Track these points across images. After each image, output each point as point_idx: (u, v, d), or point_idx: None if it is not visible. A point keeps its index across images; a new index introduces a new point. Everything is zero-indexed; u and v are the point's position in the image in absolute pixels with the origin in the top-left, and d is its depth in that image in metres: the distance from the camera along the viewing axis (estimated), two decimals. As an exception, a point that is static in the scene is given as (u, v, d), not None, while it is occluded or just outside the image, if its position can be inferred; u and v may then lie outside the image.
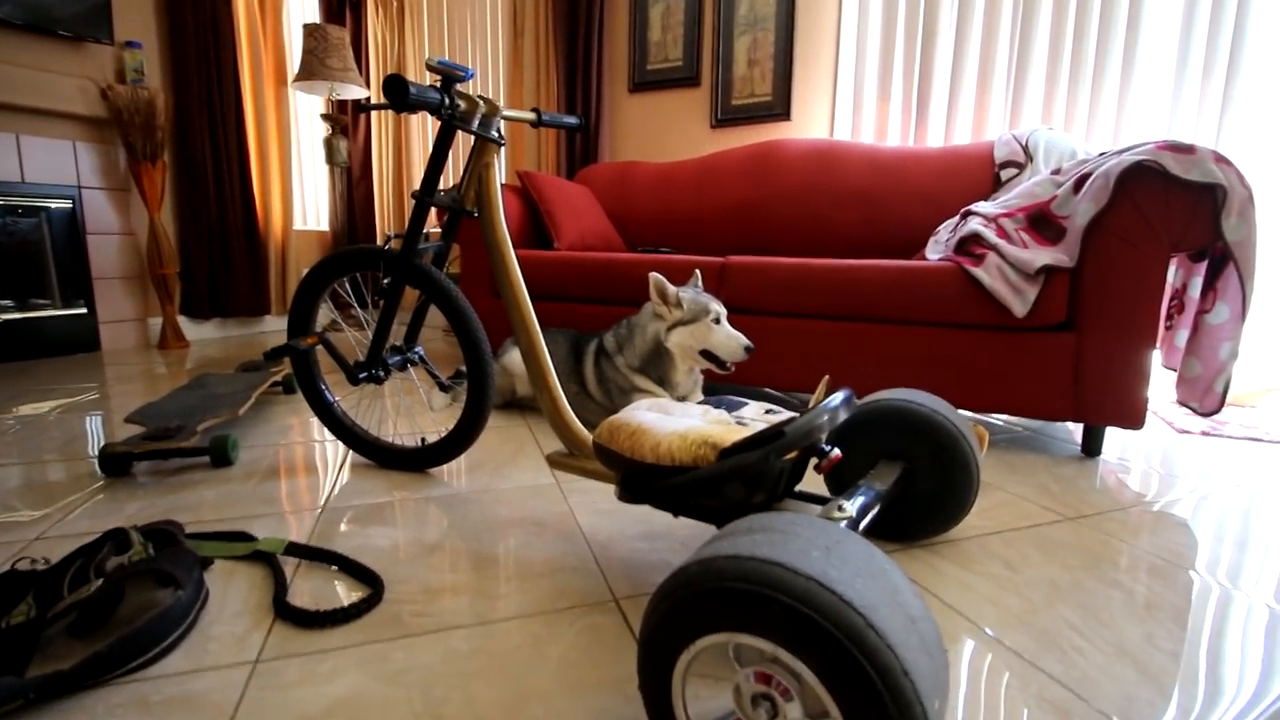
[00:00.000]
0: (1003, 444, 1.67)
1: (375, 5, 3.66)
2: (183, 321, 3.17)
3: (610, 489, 1.32)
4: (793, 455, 0.76)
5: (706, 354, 1.55)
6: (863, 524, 0.82)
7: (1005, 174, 2.08)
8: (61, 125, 2.72)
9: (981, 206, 1.77)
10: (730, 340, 1.53)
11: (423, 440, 1.41)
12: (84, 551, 0.91)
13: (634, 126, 3.15)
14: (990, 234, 1.59)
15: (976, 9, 2.36)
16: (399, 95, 0.96)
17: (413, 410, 1.92)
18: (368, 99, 3.68)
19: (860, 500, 0.85)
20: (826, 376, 0.92)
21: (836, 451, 0.83)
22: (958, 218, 1.83)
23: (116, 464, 1.34)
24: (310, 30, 3.20)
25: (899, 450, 1.04)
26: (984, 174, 2.13)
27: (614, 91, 3.17)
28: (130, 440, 1.38)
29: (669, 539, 1.10)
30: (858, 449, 1.07)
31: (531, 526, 1.15)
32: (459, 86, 1.11)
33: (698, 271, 1.69)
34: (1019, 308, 1.48)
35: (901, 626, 0.48)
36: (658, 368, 1.59)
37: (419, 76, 3.77)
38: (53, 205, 2.72)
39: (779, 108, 2.78)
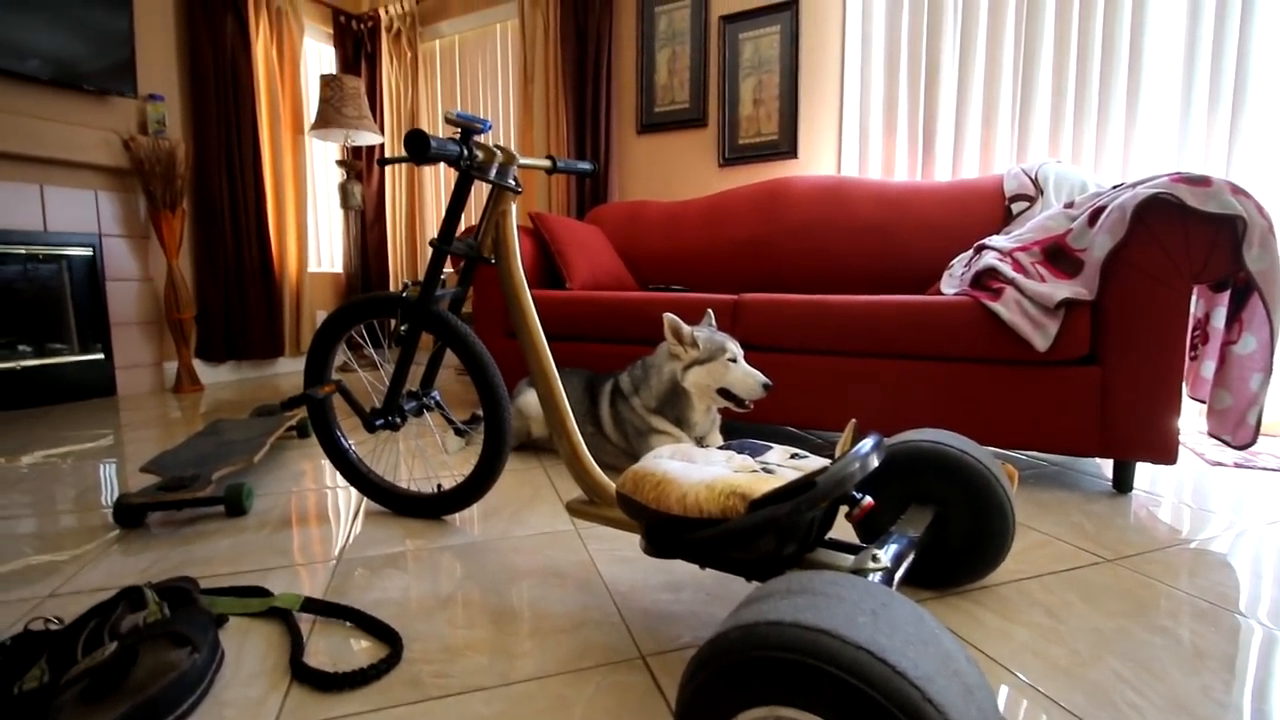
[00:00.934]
0: (1030, 480, 1.63)
1: (390, 55, 3.77)
2: (198, 364, 3.19)
3: (630, 537, 1.29)
4: (824, 504, 0.74)
5: (724, 393, 1.53)
6: (898, 574, 0.79)
7: (1016, 207, 2.08)
8: (84, 175, 2.79)
9: (995, 240, 1.76)
10: (748, 378, 1.51)
11: (439, 486, 1.39)
12: (98, 611, 0.89)
13: (643, 167, 3.20)
14: (1007, 268, 1.58)
15: (979, 44, 2.40)
16: (420, 150, 0.98)
17: (428, 455, 1.91)
18: (381, 149, 3.76)
19: (894, 549, 0.82)
20: (853, 420, 0.90)
21: (869, 499, 0.80)
22: (971, 251, 1.83)
23: (131, 515, 1.33)
24: (327, 80, 3.29)
25: (929, 494, 1.01)
26: (994, 207, 2.14)
27: (622, 133, 3.22)
28: (145, 490, 1.37)
29: (694, 589, 1.07)
30: (886, 494, 1.04)
31: (551, 577, 1.12)
32: (477, 138, 1.13)
33: (710, 311, 1.69)
34: (1040, 342, 1.46)
35: (959, 698, 0.46)
36: (675, 408, 1.58)
37: (432, 123, 3.86)
38: (74, 253, 2.77)
39: (785, 146, 2.82)
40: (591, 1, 3.08)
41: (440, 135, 1.05)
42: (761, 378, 1.50)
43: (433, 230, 3.84)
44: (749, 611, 0.53)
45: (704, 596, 1.04)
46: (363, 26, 3.83)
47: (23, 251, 2.63)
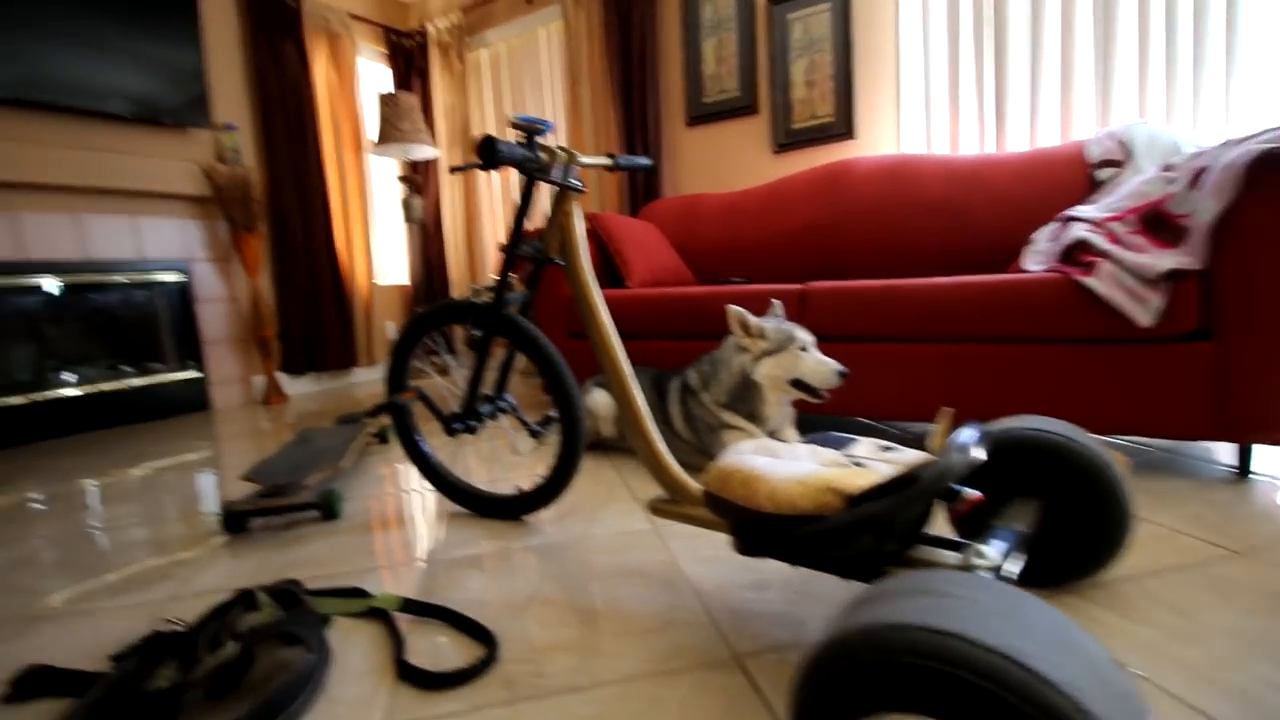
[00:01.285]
0: (1140, 468, 1.52)
1: (440, 69, 3.86)
2: (281, 377, 3.36)
3: (712, 535, 1.28)
4: (929, 499, 0.70)
5: (798, 383, 1.50)
6: (1008, 572, 0.74)
7: (1102, 174, 1.95)
8: (172, 205, 2.98)
9: (1084, 210, 1.65)
10: (821, 366, 1.47)
11: (519, 488, 1.42)
12: (217, 613, 0.95)
13: (694, 159, 3.16)
14: (1100, 239, 1.48)
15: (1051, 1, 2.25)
16: (491, 155, 0.99)
17: (498, 457, 1.94)
18: (436, 162, 3.86)
19: (1000, 545, 0.78)
20: (949, 409, 0.86)
21: (975, 492, 0.76)
22: (1056, 224, 1.72)
23: (236, 521, 1.41)
24: (385, 99, 3.40)
25: (1033, 486, 0.95)
26: (1076, 176, 2.00)
27: (672, 127, 3.20)
28: (248, 498, 1.45)
29: (781, 588, 1.04)
30: (985, 486, 0.99)
31: (635, 576, 1.12)
32: (539, 139, 1.14)
33: (777, 301, 1.65)
34: (1144, 317, 1.36)
35: (1112, 707, 0.42)
36: (746, 402, 1.55)
37: (484, 130, 3.93)
38: (166, 278, 2.96)
39: (842, 127, 2.73)
40: (637, -3, 3.07)
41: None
42: (836, 365, 1.45)
43: (488, 239, 3.92)
44: (865, 613, 0.51)
45: (793, 595, 1.02)
46: (412, 43, 3.94)
47: (123, 280, 2.83)
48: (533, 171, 1.13)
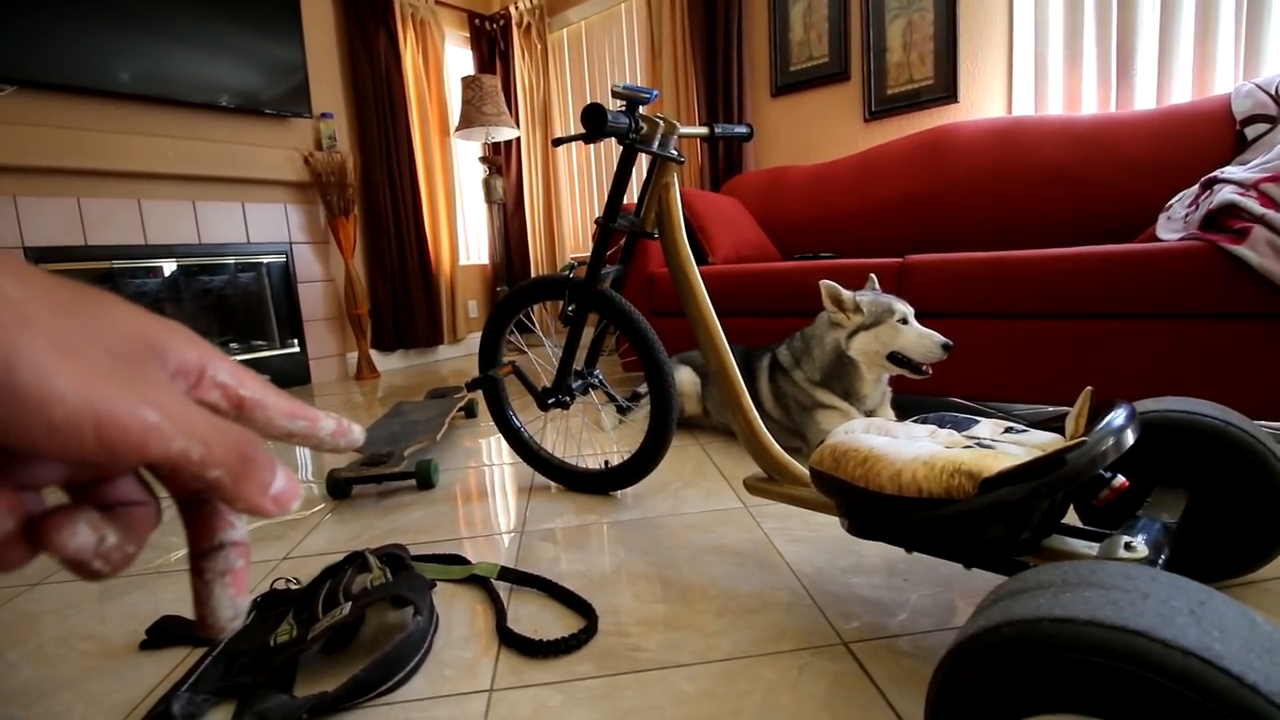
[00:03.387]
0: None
1: (521, 50, 3.89)
2: (374, 354, 3.53)
3: (808, 514, 1.23)
4: (1074, 485, 0.64)
5: (897, 358, 1.42)
6: (1158, 566, 0.67)
7: (1252, 131, 1.73)
8: (274, 191, 3.16)
9: (1231, 172, 1.47)
10: (923, 339, 1.38)
11: (607, 463, 1.42)
12: (331, 573, 1.00)
13: (779, 131, 3.05)
14: (1253, 204, 1.31)
15: (1192, -56, 2.00)
16: (597, 124, 0.97)
17: (583, 432, 1.96)
18: (517, 142, 3.91)
19: (1146, 536, 0.70)
20: (1089, 388, 0.78)
21: (1122, 479, 0.69)
22: (1197, 188, 1.54)
23: (340, 488, 1.49)
24: (468, 82, 3.46)
25: (1180, 474, 0.86)
26: (1221, 134, 1.79)
27: (756, 98, 3.09)
28: (350, 466, 1.52)
29: (886, 573, 0.99)
30: (1128, 473, 0.90)
31: (730, 555, 1.09)
32: (641, 109, 1.11)
33: (873, 275, 1.57)
34: (1308, 290, 1.20)
35: (1338, 726, 0.36)
36: (842, 380, 1.48)
37: (562, 112, 3.94)
38: (269, 260, 3.15)
39: (942, 91, 2.55)
40: (719, -36, 2.97)
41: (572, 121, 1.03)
42: (939, 337, 1.36)
43: (567, 218, 3.94)
44: (1021, 605, 0.46)
45: (899, 581, 0.97)
46: (495, 26, 3.98)
47: (232, 262, 3.03)
48: (634, 142, 1.10)
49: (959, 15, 2.48)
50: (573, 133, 1.06)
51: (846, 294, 1.46)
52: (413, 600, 0.88)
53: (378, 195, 3.40)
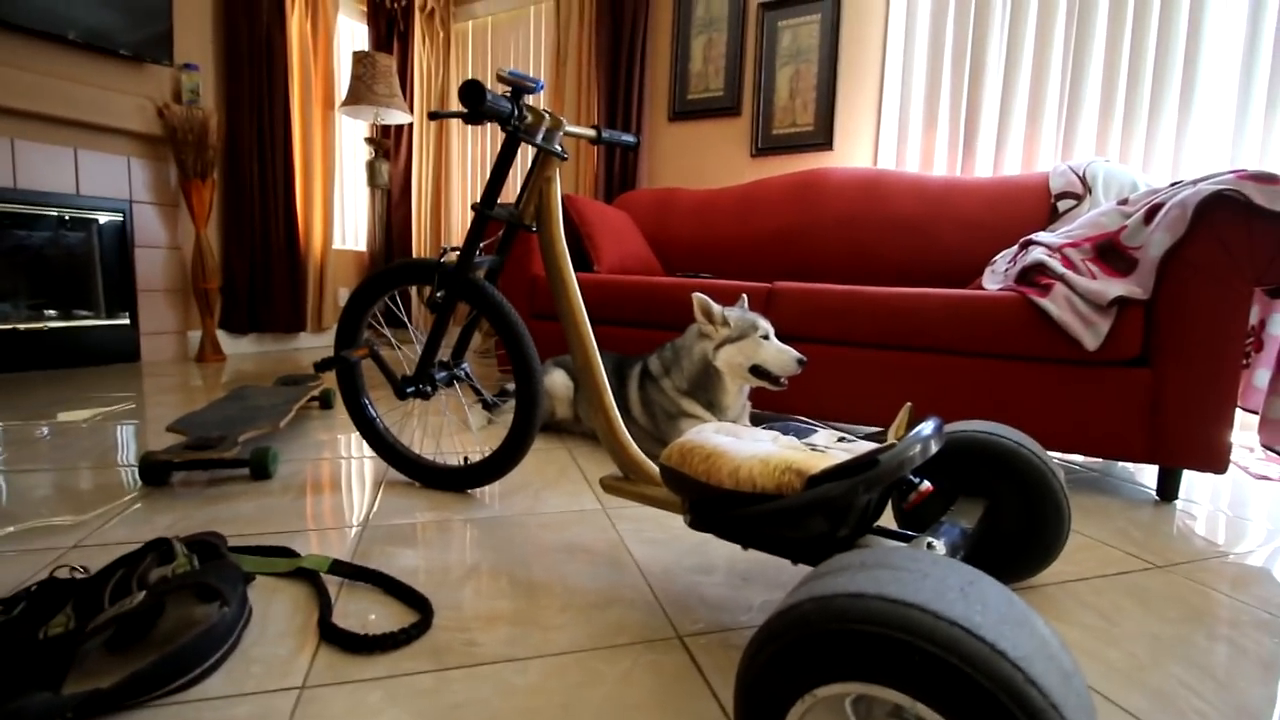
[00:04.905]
0: (1071, 485, 1.57)
1: (423, 35, 3.75)
2: (221, 335, 3.20)
3: (661, 518, 1.26)
4: (884, 484, 0.70)
5: (757, 370, 1.50)
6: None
7: (1063, 205, 2.02)
8: (117, 141, 2.80)
9: (1043, 236, 1.71)
10: (781, 354, 1.48)
11: (465, 459, 1.37)
12: (126, 561, 0.88)
13: (673, 154, 3.16)
14: (1056, 264, 1.53)
15: (1027, 38, 2.33)
16: (475, 101, 0.95)
17: (453, 429, 1.89)
18: (410, 128, 3.75)
19: (947, 540, 0.78)
20: (909, 404, 0.87)
21: (927, 484, 0.77)
22: (1016, 247, 1.78)
23: (156, 473, 1.32)
24: (360, 57, 3.28)
25: (981, 486, 0.97)
26: (1039, 205, 2.08)
27: (654, 120, 3.19)
28: (171, 449, 1.36)
29: (727, 572, 1.03)
30: (935, 483, 1.00)
31: (580, 553, 1.09)
32: (527, 99, 1.10)
33: (744, 295, 1.65)
34: (1090, 340, 1.41)
35: (1059, 682, 0.42)
36: (707, 390, 1.54)
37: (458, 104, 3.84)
38: (104, 218, 2.78)
39: (821, 138, 2.77)
40: (629, -15, 3.04)
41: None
42: (795, 353, 1.46)
43: (458, 211, 3.82)
44: (822, 584, 0.50)
45: (738, 580, 1.01)
46: (396, 5, 3.81)
47: (55, 214, 2.64)
48: (517, 130, 1.09)
49: (839, 72, 2.71)
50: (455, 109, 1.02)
51: (716, 308, 1.53)
52: (221, 591, 0.80)
53: (244, 161, 3.11)
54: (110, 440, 1.66)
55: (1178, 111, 2.12)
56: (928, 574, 0.48)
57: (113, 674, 0.70)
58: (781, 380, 1.48)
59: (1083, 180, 2.02)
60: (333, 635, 0.80)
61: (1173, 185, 1.51)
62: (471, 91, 0.94)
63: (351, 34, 3.86)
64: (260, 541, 1.09)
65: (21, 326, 2.56)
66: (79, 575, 0.91)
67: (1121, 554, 1.16)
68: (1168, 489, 1.47)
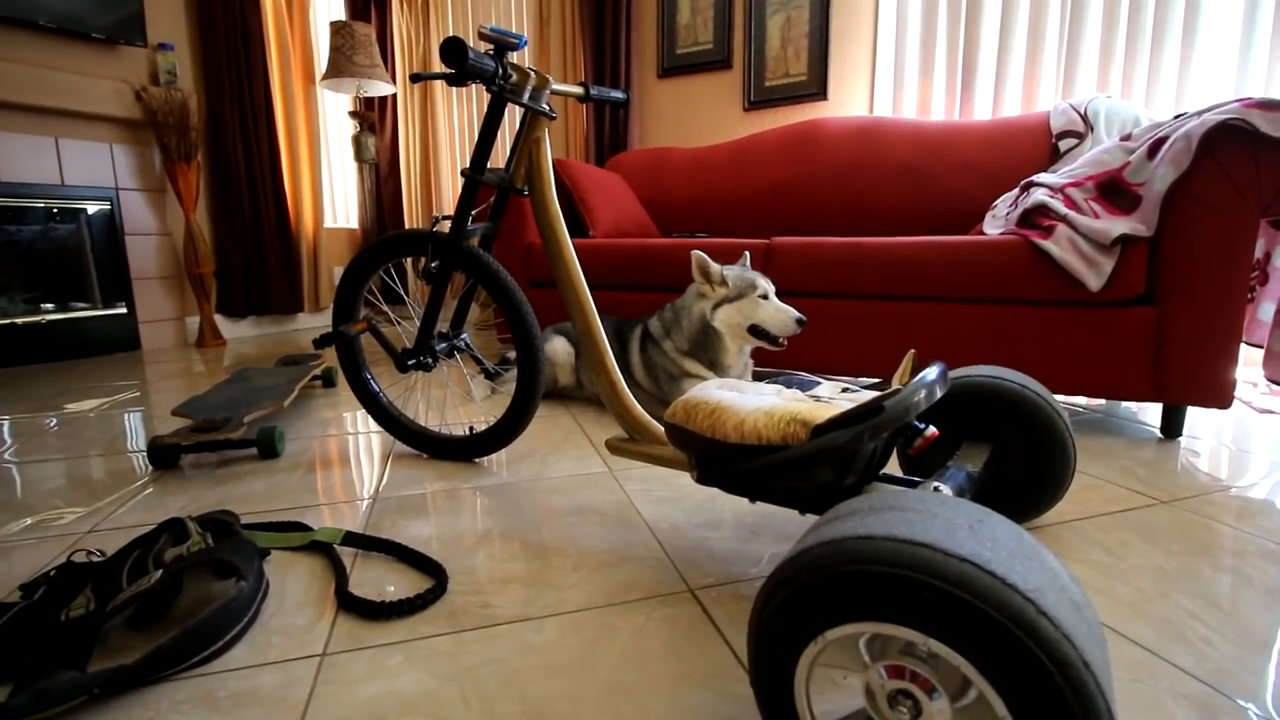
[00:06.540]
0: (1075, 426, 1.58)
1: (400, 1, 3.64)
2: (219, 319, 3.19)
3: (668, 476, 1.27)
4: (889, 431, 0.70)
5: (756, 330, 1.49)
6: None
7: (1064, 144, 1.98)
8: (98, 128, 2.74)
9: (1045, 177, 1.68)
10: (780, 314, 1.46)
11: (470, 429, 1.37)
12: (141, 542, 0.89)
13: (664, 112, 3.09)
14: (1058, 204, 1.51)
15: (1025, -25, 2.25)
16: (458, 59, 0.91)
17: (457, 400, 1.89)
18: (393, 99, 3.66)
19: (953, 484, 0.79)
20: (912, 350, 0.86)
21: (933, 429, 0.76)
22: (1018, 190, 1.75)
23: (165, 456, 1.33)
24: (337, 28, 3.19)
25: (986, 430, 0.97)
26: (1040, 145, 2.04)
27: (643, 77, 3.11)
28: (178, 433, 1.36)
29: (735, 526, 1.04)
30: (941, 428, 1.00)
31: (590, 515, 1.10)
32: (511, 56, 1.07)
33: (747, 253, 1.63)
34: (1094, 281, 1.39)
35: (1070, 614, 0.42)
36: (707, 350, 1.54)
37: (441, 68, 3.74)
38: (91, 207, 2.74)
39: (815, 88, 2.70)
40: (611, -64, 2.93)
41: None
42: (794, 313, 1.45)
43: (449, 181, 3.77)
44: (831, 529, 0.50)
45: (746, 534, 1.02)
46: (372, -30, 3.69)
47: (42, 206, 2.60)
48: (502, 90, 1.06)
49: (832, 18, 2.63)
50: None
51: (714, 267, 1.51)
52: (237, 566, 0.81)
53: (227, 142, 3.05)
54: (118, 428, 1.67)
55: (1180, 43, 2.06)
56: (936, 514, 0.48)
57: (136, 651, 0.72)
58: (780, 341, 1.47)
59: (1084, 118, 1.97)
60: (350, 603, 0.82)
61: (1176, 118, 1.47)
62: (453, 49, 0.91)
63: (328, 4, 3.74)
64: (272, 518, 1.10)
65: (20, 320, 2.55)
66: (96, 559, 0.92)
67: (1127, 491, 1.17)
68: (1172, 426, 1.47)
